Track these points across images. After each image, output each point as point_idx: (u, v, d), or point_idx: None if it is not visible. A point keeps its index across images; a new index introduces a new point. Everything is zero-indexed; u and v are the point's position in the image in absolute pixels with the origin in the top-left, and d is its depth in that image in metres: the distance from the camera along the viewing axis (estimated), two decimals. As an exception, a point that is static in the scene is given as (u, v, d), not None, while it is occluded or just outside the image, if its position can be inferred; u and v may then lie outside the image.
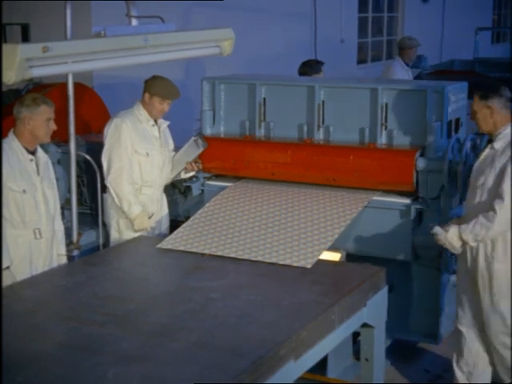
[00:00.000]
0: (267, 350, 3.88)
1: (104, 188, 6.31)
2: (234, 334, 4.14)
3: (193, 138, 6.38)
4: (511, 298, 5.23)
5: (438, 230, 5.28)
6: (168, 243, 5.44)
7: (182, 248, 5.35)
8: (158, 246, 5.41)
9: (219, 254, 5.24)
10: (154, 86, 6.04)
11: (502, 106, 5.19)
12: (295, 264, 5.03)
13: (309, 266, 4.99)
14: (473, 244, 5.20)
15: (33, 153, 5.33)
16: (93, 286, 4.86)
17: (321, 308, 4.46)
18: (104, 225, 6.37)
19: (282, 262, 5.06)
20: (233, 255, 5.21)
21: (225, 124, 6.63)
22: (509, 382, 5.43)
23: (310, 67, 8.15)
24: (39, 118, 5.22)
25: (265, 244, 5.32)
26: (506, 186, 5.06)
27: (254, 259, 5.14)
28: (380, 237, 5.83)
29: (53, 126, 5.31)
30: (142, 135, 6.06)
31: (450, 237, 5.22)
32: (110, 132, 6.03)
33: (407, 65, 9.76)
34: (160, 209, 6.26)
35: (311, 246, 5.24)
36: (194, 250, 5.32)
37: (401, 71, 9.49)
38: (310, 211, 5.73)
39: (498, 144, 5.21)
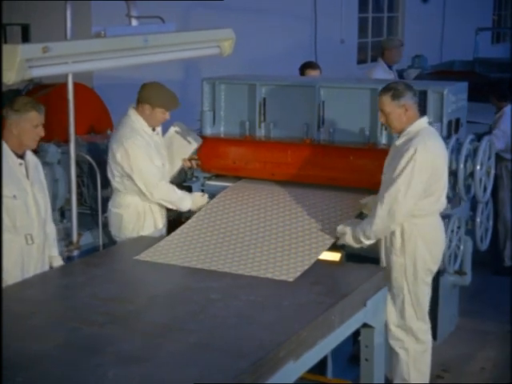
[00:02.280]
0: (267, 351, 3.88)
1: (107, 189, 6.31)
2: (234, 335, 4.14)
3: (172, 129, 6.35)
4: (407, 291, 5.27)
5: (337, 238, 5.38)
6: (146, 255, 5.33)
7: (160, 261, 5.24)
8: (135, 257, 5.30)
9: (199, 267, 5.11)
10: (156, 98, 5.83)
11: (414, 101, 5.21)
12: (276, 278, 4.91)
13: (291, 280, 4.88)
14: (366, 242, 5.24)
15: (21, 156, 5.19)
16: (93, 286, 4.86)
17: (321, 308, 4.46)
18: (104, 226, 6.37)
19: (263, 276, 4.95)
20: (213, 268, 5.09)
21: (225, 124, 6.62)
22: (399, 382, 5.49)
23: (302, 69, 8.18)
24: (27, 125, 5.06)
25: (247, 258, 5.19)
26: (386, 182, 5.12)
27: (234, 273, 5.01)
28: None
29: (41, 133, 5.15)
30: (153, 148, 5.93)
31: (348, 239, 5.31)
32: (132, 156, 5.78)
33: (390, 67, 9.53)
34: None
35: (294, 262, 5.10)
36: (172, 262, 5.21)
37: (382, 74, 9.21)
38: (306, 215, 5.70)
39: (399, 141, 5.23)
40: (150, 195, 5.86)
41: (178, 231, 5.70)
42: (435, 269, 5.36)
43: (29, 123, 5.08)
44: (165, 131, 6.29)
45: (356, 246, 5.32)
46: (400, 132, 5.26)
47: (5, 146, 5.09)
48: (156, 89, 5.89)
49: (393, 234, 5.23)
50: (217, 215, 5.85)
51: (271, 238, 5.48)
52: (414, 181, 5.01)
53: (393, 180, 5.07)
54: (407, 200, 5.04)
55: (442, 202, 5.27)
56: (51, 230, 5.48)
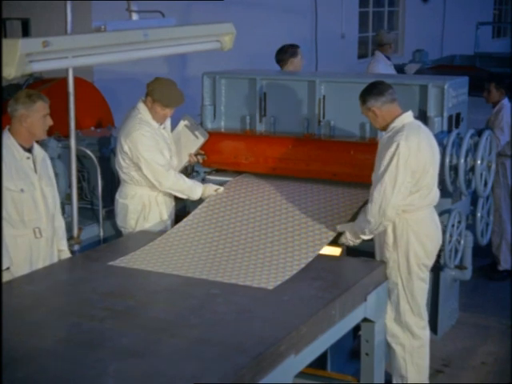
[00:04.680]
0: (268, 346, 3.88)
1: (110, 183, 6.31)
2: (235, 330, 4.13)
3: (182, 123, 6.35)
4: (401, 286, 5.26)
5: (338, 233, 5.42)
6: (121, 262, 5.17)
7: (135, 267, 5.09)
8: (110, 263, 5.14)
9: (175, 273, 4.96)
10: (157, 92, 5.83)
11: (382, 103, 5.17)
12: (255, 285, 4.74)
13: (270, 288, 4.69)
14: (365, 237, 5.28)
15: (29, 150, 5.21)
16: (93, 281, 4.86)
17: (321, 303, 4.46)
18: (107, 219, 6.38)
19: (241, 283, 4.79)
20: (189, 275, 4.93)
21: (225, 119, 6.62)
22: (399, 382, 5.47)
23: (285, 52, 8.03)
24: (36, 115, 5.10)
25: (226, 265, 5.05)
26: (375, 179, 5.12)
27: (211, 279, 4.83)
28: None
29: (49, 122, 5.19)
30: (161, 141, 5.94)
31: (350, 238, 5.34)
32: (139, 146, 5.78)
33: (388, 58, 9.49)
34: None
35: (275, 272, 4.92)
36: (148, 268, 5.06)
37: (385, 68, 9.23)
38: (305, 212, 5.66)
39: (384, 138, 5.23)
40: (158, 184, 5.89)
41: (164, 236, 5.60)
42: (430, 263, 5.33)
43: (37, 114, 5.11)
44: (174, 124, 6.28)
45: (356, 241, 5.34)
46: (384, 129, 5.27)
47: (12, 140, 5.13)
48: (160, 83, 5.89)
49: (385, 230, 5.23)
50: (213, 212, 5.81)
51: (260, 240, 5.40)
52: (399, 175, 5.01)
53: (379, 177, 5.08)
54: (395, 195, 5.03)
55: (433, 196, 5.24)
56: (60, 223, 5.50)
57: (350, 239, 5.34)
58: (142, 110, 5.91)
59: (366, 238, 5.28)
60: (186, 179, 6.05)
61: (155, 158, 5.83)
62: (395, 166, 5.01)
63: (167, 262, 5.14)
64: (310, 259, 5.08)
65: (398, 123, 5.16)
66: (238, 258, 5.15)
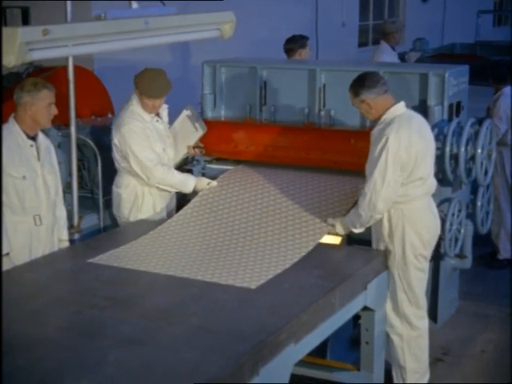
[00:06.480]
0: (268, 334, 3.89)
1: (110, 172, 6.30)
2: (235, 318, 4.14)
3: (185, 113, 6.33)
4: (398, 277, 5.25)
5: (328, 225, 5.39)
6: (101, 259, 5.05)
7: (115, 264, 4.97)
8: (90, 260, 5.01)
9: (156, 271, 4.85)
10: (141, 84, 5.77)
11: (375, 94, 5.10)
12: (238, 285, 4.59)
13: (253, 287, 4.56)
14: (356, 231, 5.27)
15: (33, 138, 5.25)
16: (94, 269, 4.86)
17: (321, 291, 4.47)
18: (105, 208, 6.38)
19: (224, 282, 4.69)
20: (171, 273, 4.82)
21: (226, 107, 6.61)
22: (401, 382, 5.47)
23: (295, 42, 8.01)
24: (40, 104, 5.12)
25: (209, 263, 4.93)
26: (368, 173, 5.09)
27: (192, 278, 4.70)
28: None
29: (54, 111, 5.21)
30: (152, 134, 5.90)
31: (339, 231, 5.34)
32: (128, 141, 5.77)
33: (393, 49, 9.44)
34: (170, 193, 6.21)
35: (259, 271, 4.80)
36: (128, 266, 4.94)
37: (389, 57, 9.18)
38: (296, 208, 5.61)
39: (376, 130, 5.18)
40: (146, 179, 5.87)
41: (148, 235, 5.47)
42: (428, 253, 5.30)
43: (42, 102, 5.13)
44: (174, 115, 6.26)
45: (345, 233, 5.36)
46: (376, 121, 5.23)
47: (17, 128, 5.17)
48: (145, 75, 5.81)
49: (380, 220, 5.20)
50: (205, 208, 5.76)
51: (245, 241, 5.31)
52: (389, 169, 4.98)
53: (370, 171, 5.06)
54: (385, 189, 5.00)
55: (428, 186, 5.21)
56: (62, 213, 5.52)
57: (339, 232, 5.35)
58: (135, 102, 5.88)
59: (356, 231, 5.27)
60: (177, 173, 5.99)
61: (144, 153, 5.80)
62: (384, 161, 4.98)
63: (147, 260, 5.04)
64: (296, 260, 4.99)
65: (389, 115, 5.11)
66: (221, 257, 5.05)
